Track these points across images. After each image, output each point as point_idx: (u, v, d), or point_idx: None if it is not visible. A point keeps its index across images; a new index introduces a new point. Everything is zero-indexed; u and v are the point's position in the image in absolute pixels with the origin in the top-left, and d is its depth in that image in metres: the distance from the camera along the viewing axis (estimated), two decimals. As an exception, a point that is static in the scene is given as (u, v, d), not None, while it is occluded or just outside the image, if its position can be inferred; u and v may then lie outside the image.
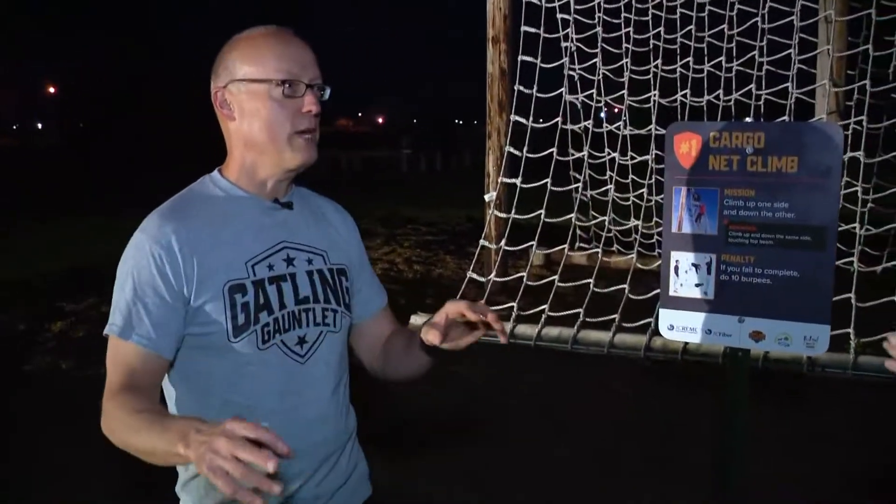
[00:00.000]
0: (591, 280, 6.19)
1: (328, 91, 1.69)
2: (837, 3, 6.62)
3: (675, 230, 2.06)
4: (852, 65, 7.38)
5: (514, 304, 6.03)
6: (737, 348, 2.07)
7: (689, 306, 2.08)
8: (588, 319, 5.74)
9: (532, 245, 6.70)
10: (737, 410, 2.13)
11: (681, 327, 2.10)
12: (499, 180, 7.26)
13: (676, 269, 2.08)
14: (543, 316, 5.81)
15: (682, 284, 2.07)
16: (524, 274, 6.52)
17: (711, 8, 7.40)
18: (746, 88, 7.19)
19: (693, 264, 2.05)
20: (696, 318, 2.07)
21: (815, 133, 1.93)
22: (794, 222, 1.95)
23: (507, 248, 6.83)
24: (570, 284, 6.40)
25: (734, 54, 7.34)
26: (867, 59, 6.79)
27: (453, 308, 1.64)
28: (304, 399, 1.67)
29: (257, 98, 1.63)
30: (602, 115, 8.14)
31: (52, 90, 54.32)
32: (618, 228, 8.46)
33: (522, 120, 7.03)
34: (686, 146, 2.02)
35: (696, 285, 2.06)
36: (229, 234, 1.62)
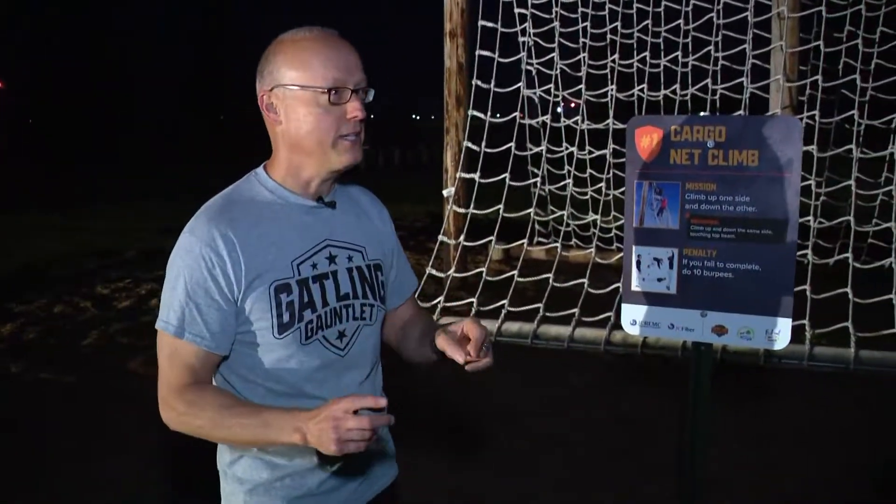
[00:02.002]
0: (550, 275, 6.20)
1: (372, 93, 1.73)
2: (789, 0, 6.69)
3: (636, 224, 2.05)
4: (804, 60, 7.49)
5: (474, 300, 6.02)
6: (699, 342, 2.06)
7: (651, 301, 2.07)
8: (548, 314, 5.76)
9: (491, 240, 6.69)
10: (700, 404, 2.13)
11: (643, 322, 2.09)
12: (457, 175, 7.23)
13: (638, 263, 2.07)
14: (503, 311, 5.81)
15: (644, 279, 2.06)
16: (483, 269, 6.51)
17: (668, 3, 7.46)
18: (702, 83, 7.26)
19: (655, 259, 2.04)
20: (659, 313, 2.06)
21: (776, 127, 1.93)
22: (756, 216, 1.95)
23: (466, 243, 6.82)
24: (530, 279, 6.40)
25: (690, 49, 7.40)
26: (818, 55, 6.89)
27: (470, 331, 1.67)
28: (343, 385, 1.74)
29: (303, 104, 1.64)
30: (559, 109, 8.15)
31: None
32: (576, 223, 8.49)
33: (480, 115, 7.02)
34: (647, 140, 2.00)
35: (659, 280, 2.05)
36: (275, 235, 1.66)
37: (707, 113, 7.39)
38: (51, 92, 36.12)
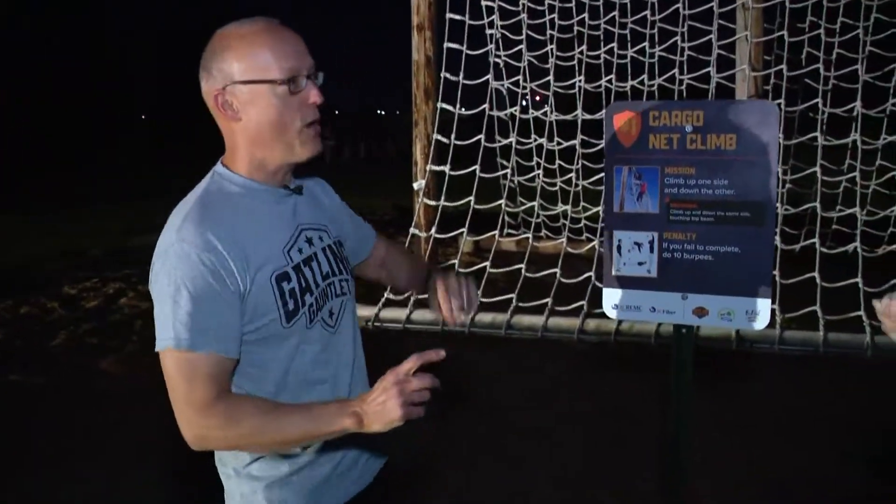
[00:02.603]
0: (522, 266, 6.23)
1: (322, 76, 1.71)
2: (753, -10, 6.76)
3: (616, 209, 2.07)
4: (769, 50, 7.57)
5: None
6: (681, 325, 2.09)
7: (632, 285, 2.09)
8: (521, 304, 5.77)
9: (462, 232, 6.69)
10: (682, 388, 2.15)
11: (625, 306, 2.11)
12: (427, 168, 7.23)
13: (619, 248, 2.08)
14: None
15: (625, 263, 2.08)
16: (455, 261, 6.52)
17: (633, -6, 7.50)
18: (669, 73, 7.31)
19: (636, 243, 2.06)
20: (640, 297, 2.08)
21: (753, 111, 1.95)
22: (734, 199, 1.97)
23: (437, 235, 6.82)
24: (501, 270, 6.42)
25: (657, 40, 7.45)
26: (783, 44, 6.96)
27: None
28: (341, 363, 1.80)
29: (261, 98, 1.63)
30: (524, 102, 8.17)
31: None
32: (546, 214, 8.52)
33: (449, 107, 7.01)
34: (626, 125, 2.02)
35: (639, 264, 2.07)
36: (261, 226, 1.66)
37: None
38: (45, 93, 35.55)
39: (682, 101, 1.87)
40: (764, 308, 2.00)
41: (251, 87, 1.63)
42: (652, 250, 2.05)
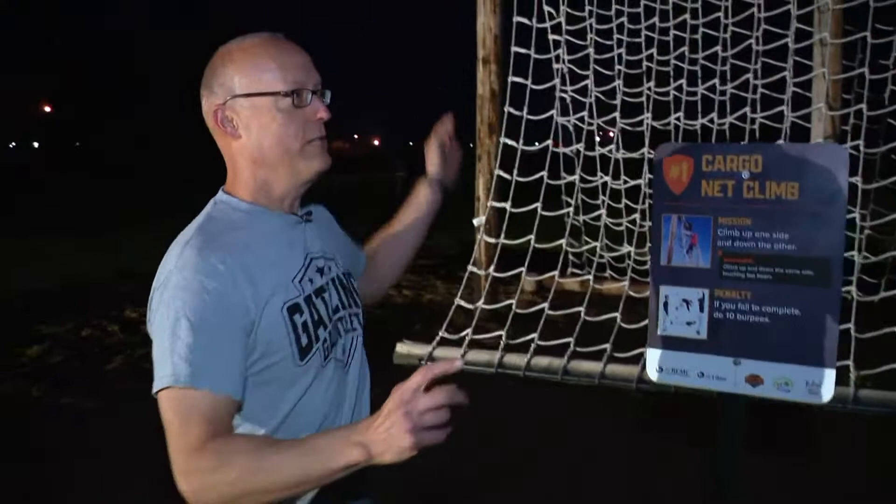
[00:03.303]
0: (581, 308, 6.01)
1: (329, 94, 1.62)
2: (832, 25, 6.48)
3: (664, 262, 1.88)
4: (848, 88, 7.24)
5: (503, 333, 5.84)
6: (731, 394, 1.87)
7: (679, 346, 1.88)
8: (578, 349, 5.56)
9: (522, 271, 6.52)
10: (730, 459, 1.94)
11: (671, 370, 1.91)
12: (488, 204, 7.08)
13: (666, 305, 1.89)
14: (532, 345, 5.62)
15: (671, 322, 1.88)
16: (513, 301, 6.34)
17: (705, 30, 7.27)
18: (741, 112, 7.05)
19: (684, 300, 1.86)
20: (688, 360, 1.88)
21: (818, 156, 1.74)
22: (795, 254, 1.76)
23: (495, 274, 6.66)
24: (561, 312, 6.21)
25: (728, 77, 7.20)
26: (863, 82, 6.65)
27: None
28: (347, 401, 1.65)
29: (264, 112, 1.53)
30: (597, 137, 7.98)
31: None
32: (610, 255, 8.27)
33: (512, 143, 6.87)
34: (676, 170, 1.83)
35: (688, 324, 1.87)
36: (270, 255, 1.53)
37: (746, 142, 7.19)
38: (96, 114, 36.65)
39: (739, 145, 1.68)
40: (828, 379, 1.78)
41: (253, 100, 1.52)
42: (702, 309, 1.85)
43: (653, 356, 1.92)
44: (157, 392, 1.41)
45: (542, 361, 5.50)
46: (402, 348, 6.00)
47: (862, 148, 6.23)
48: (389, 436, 1.26)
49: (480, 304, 6.45)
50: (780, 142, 6.47)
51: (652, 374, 1.93)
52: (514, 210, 6.76)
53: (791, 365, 1.79)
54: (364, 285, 1.91)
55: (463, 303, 6.37)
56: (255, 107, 1.53)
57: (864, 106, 6.40)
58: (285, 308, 1.50)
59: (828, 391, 1.78)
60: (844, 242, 1.77)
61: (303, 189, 1.63)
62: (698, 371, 1.87)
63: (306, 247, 1.63)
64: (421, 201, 2.09)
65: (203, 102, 1.58)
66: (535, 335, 5.72)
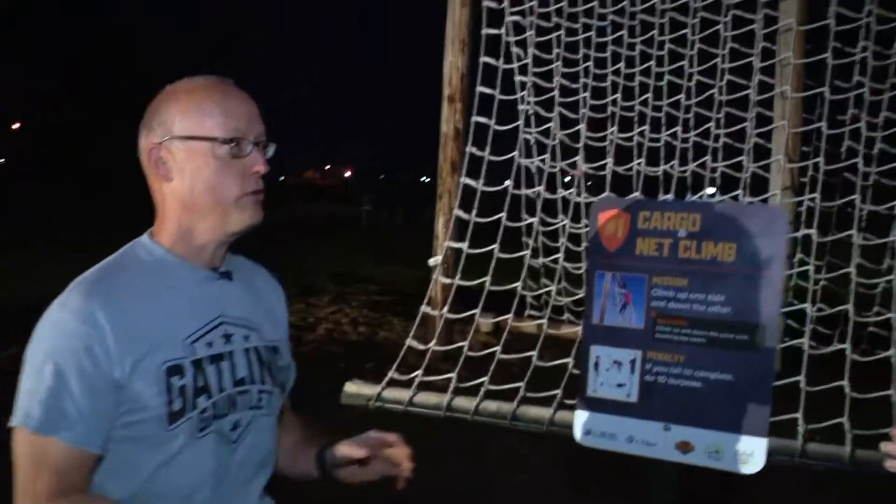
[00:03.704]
0: (533, 353, 5.94)
1: (273, 148, 1.54)
2: (793, 80, 6.56)
3: (596, 321, 1.81)
4: (807, 141, 7.31)
5: (453, 375, 5.75)
6: (661, 460, 1.80)
7: (609, 409, 1.81)
8: (529, 394, 5.48)
9: (475, 313, 6.44)
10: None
11: (599, 433, 1.83)
12: (445, 244, 7.02)
13: (597, 365, 1.82)
14: (483, 389, 5.54)
15: (602, 384, 1.81)
16: (465, 343, 6.26)
17: (670, 77, 7.31)
18: (702, 160, 7.07)
19: (615, 361, 1.79)
20: (617, 424, 1.81)
21: (757, 217, 1.69)
22: (730, 318, 1.71)
23: (449, 315, 6.58)
24: (514, 356, 6.13)
25: (691, 125, 7.23)
26: (821, 136, 6.71)
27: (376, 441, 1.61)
28: (235, 486, 1.53)
29: (199, 157, 1.46)
30: (566, 179, 7.96)
31: None
32: (569, 299, 8.23)
33: (472, 182, 6.83)
34: (612, 226, 1.78)
35: (618, 385, 1.80)
36: (165, 308, 1.45)
37: (709, 190, 7.22)
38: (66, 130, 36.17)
39: (677, 202, 1.64)
40: (759, 449, 1.71)
41: (190, 143, 1.45)
42: (633, 371, 1.79)
43: (580, 418, 1.85)
44: (10, 427, 1.37)
45: (492, 406, 5.42)
46: (351, 388, 5.89)
47: (818, 200, 6.26)
48: None
49: (433, 345, 6.35)
50: (739, 192, 6.50)
51: (579, 436, 1.86)
52: (471, 251, 6.70)
53: (722, 433, 1.73)
54: None
55: (415, 343, 6.28)
56: (192, 150, 1.46)
57: (821, 159, 6.44)
58: (165, 367, 1.41)
59: (758, 461, 1.72)
60: (781, 307, 1.72)
61: (228, 241, 1.54)
62: (627, 435, 1.80)
63: (219, 307, 1.53)
64: (306, 454, 1.72)
65: (140, 139, 1.51)
66: (486, 378, 5.63)
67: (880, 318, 6.61)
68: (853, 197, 6.47)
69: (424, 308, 6.62)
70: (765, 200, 6.55)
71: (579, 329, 6.56)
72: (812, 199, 6.26)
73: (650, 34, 7.27)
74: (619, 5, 7.23)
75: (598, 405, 1.82)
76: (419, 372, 5.90)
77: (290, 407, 1.78)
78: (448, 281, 6.83)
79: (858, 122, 6.67)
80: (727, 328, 1.70)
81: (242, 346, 1.54)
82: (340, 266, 14.55)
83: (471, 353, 6.14)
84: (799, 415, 4.97)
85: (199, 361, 1.45)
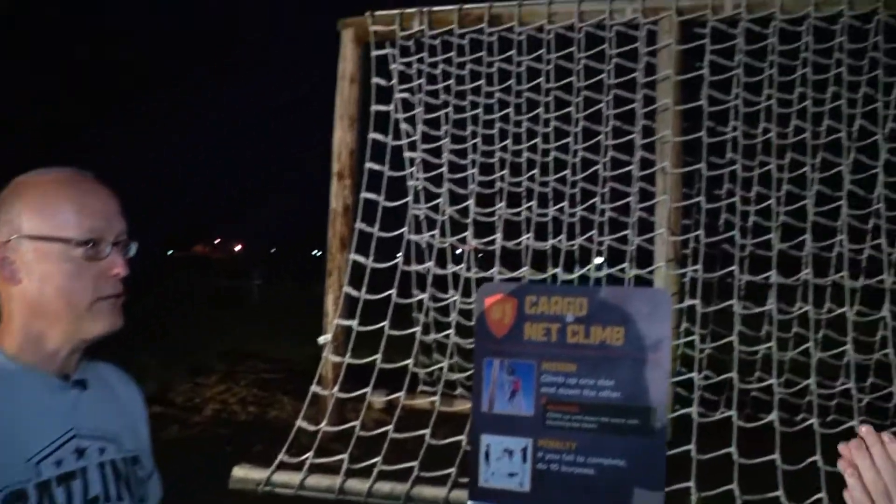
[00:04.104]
0: (426, 431, 5.85)
1: (135, 246, 1.41)
2: (672, 156, 6.78)
3: (485, 409, 1.77)
4: (687, 214, 7.56)
5: (345, 456, 5.60)
6: (556, 553, 1.75)
7: (502, 499, 1.76)
8: (424, 474, 5.38)
9: (367, 391, 6.33)
10: None
11: (492, 526, 1.78)
12: (335, 322, 6.91)
13: (487, 454, 1.77)
14: (376, 470, 5.40)
15: (493, 473, 1.76)
16: (357, 423, 6.12)
17: (556, 154, 7.47)
18: (589, 234, 7.21)
19: (506, 450, 1.75)
20: (511, 515, 1.76)
21: (643, 301, 1.70)
22: (621, 402, 1.69)
23: (340, 394, 6.44)
24: (407, 435, 6.03)
25: (578, 200, 7.38)
26: (700, 210, 6.95)
27: None
28: None
29: (51, 259, 1.33)
30: (458, 252, 7.98)
31: None
32: (461, 374, 8.18)
33: (362, 259, 6.78)
34: (499, 311, 1.75)
35: (510, 475, 1.75)
36: (7, 426, 1.29)
37: (596, 263, 7.35)
38: None
39: (565, 287, 1.62)
40: (653, 536, 1.69)
41: (40, 244, 1.33)
42: (525, 459, 1.75)
43: (474, 511, 1.79)
44: None
45: (385, 487, 5.29)
46: (239, 472, 5.66)
47: (700, 272, 6.47)
48: None
49: (324, 425, 6.19)
50: (624, 265, 6.64)
51: (472, 530, 1.79)
52: (361, 328, 6.62)
53: (616, 521, 1.69)
54: None
55: (306, 424, 6.11)
56: (42, 252, 1.33)
57: (702, 232, 6.67)
58: (4, 494, 1.27)
59: (653, 549, 1.69)
60: (669, 389, 1.71)
61: (81, 347, 1.41)
62: (521, 527, 1.75)
63: (73, 419, 1.39)
64: None
65: None
66: (379, 458, 5.51)
67: (762, 384, 6.79)
68: (732, 268, 6.71)
69: (315, 387, 6.47)
70: (650, 272, 6.71)
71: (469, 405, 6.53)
72: (695, 271, 6.45)
73: (536, 112, 7.44)
74: (506, 84, 7.39)
75: (490, 496, 1.77)
76: (310, 454, 5.73)
77: None
78: (339, 359, 6.72)
79: (734, 196, 6.94)
80: (618, 413, 1.68)
81: (97, 461, 1.40)
82: (229, 343, 14.17)
83: (363, 433, 6.01)
84: (691, 483, 5.02)
85: (46, 484, 1.30)
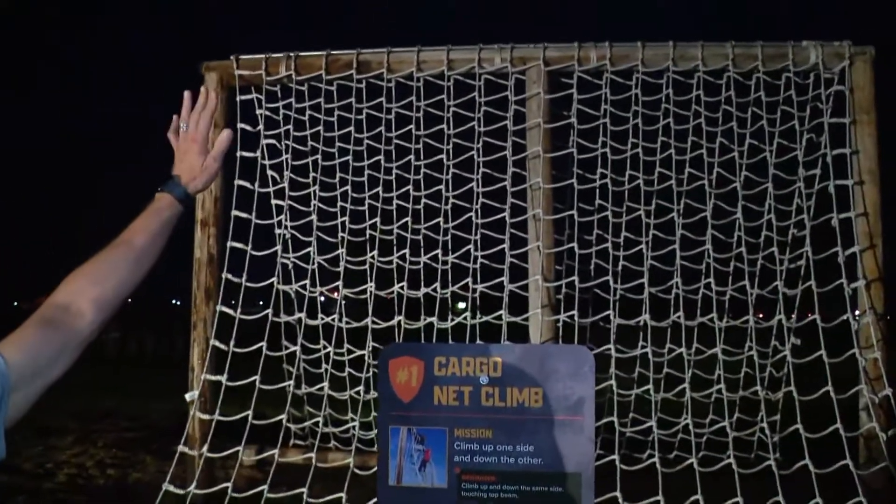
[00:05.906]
0: (304, 489, 5.58)
1: None
2: (543, 203, 6.81)
3: (392, 482, 1.60)
4: (560, 260, 7.60)
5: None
6: None
7: (414, 585, 1.59)
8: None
9: (239, 449, 6.00)
10: None
11: None
12: (202, 377, 6.55)
13: (398, 535, 1.60)
14: (250, 536, 5.09)
15: (405, 556, 1.59)
16: (229, 484, 5.78)
17: (427, 201, 7.40)
18: (464, 282, 7.14)
19: (419, 529, 1.58)
20: None
21: (562, 359, 1.58)
22: (542, 469, 1.56)
23: (209, 454, 6.08)
24: (283, 494, 5.74)
25: (450, 247, 7.31)
26: (573, 255, 7.01)
27: None
28: None
29: None
30: (323, 300, 7.75)
31: None
32: (335, 428, 7.91)
33: (229, 311, 6.48)
34: (405, 374, 1.60)
35: (424, 557, 1.59)
36: None
37: (460, 307, 7.29)
38: None
39: (476, 345, 1.49)
40: None
41: None
42: (439, 538, 1.58)
43: None
44: None
45: (260, 555, 4.98)
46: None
47: (576, 317, 6.50)
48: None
49: (192, 488, 5.82)
50: (500, 312, 6.59)
51: None
52: (230, 384, 6.30)
53: None
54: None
55: (172, 487, 5.72)
56: None
57: (575, 278, 6.71)
58: None
59: None
60: (594, 452, 1.59)
61: None
62: None
63: None
64: (156, 206, 1.90)
65: None
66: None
67: (638, 427, 6.85)
68: (607, 312, 6.77)
69: (181, 447, 6.09)
70: (526, 319, 6.69)
71: (349, 458, 6.28)
72: (570, 317, 6.47)
73: (406, 159, 7.36)
74: (376, 130, 7.29)
75: (401, 582, 1.59)
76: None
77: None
78: (207, 417, 6.35)
79: (605, 242, 7.04)
80: (539, 481, 1.55)
81: None
82: (83, 401, 13.38)
83: (235, 494, 5.67)
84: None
85: None
